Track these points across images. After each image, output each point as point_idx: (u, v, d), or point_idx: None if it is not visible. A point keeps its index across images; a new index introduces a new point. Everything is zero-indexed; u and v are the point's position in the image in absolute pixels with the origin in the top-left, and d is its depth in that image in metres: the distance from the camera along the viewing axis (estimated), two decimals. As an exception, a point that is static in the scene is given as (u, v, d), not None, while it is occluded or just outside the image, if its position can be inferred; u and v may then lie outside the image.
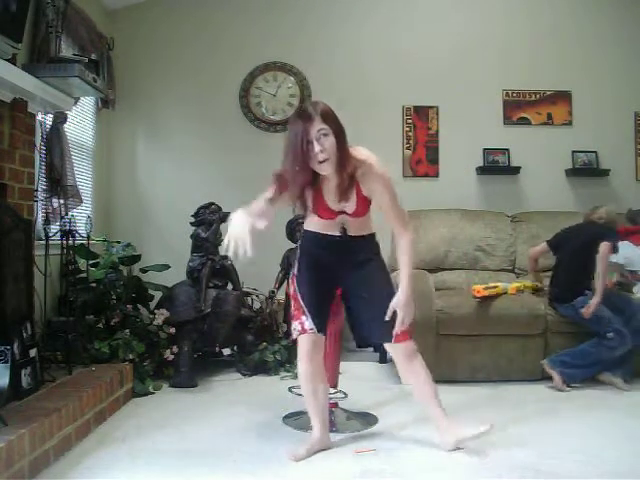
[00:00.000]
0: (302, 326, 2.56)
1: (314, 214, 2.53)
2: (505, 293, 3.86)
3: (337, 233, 2.54)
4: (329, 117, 2.34)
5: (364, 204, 2.48)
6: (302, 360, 2.59)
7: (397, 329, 2.46)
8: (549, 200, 4.85)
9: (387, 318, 2.46)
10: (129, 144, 5.01)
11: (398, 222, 2.51)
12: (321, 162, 2.33)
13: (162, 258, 4.31)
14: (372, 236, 2.63)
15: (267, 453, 2.59)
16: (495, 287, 3.84)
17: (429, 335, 3.69)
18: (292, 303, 2.64)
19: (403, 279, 2.49)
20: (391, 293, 2.53)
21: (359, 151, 2.44)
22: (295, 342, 2.64)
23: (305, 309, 2.56)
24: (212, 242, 4.04)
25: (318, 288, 2.58)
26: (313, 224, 2.60)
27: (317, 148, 2.30)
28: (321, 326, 2.56)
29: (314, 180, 2.42)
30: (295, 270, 2.64)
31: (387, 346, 2.56)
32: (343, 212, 2.51)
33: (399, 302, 2.47)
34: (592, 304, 3.53)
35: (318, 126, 2.31)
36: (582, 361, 3.55)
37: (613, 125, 5.05)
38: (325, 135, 2.31)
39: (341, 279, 2.61)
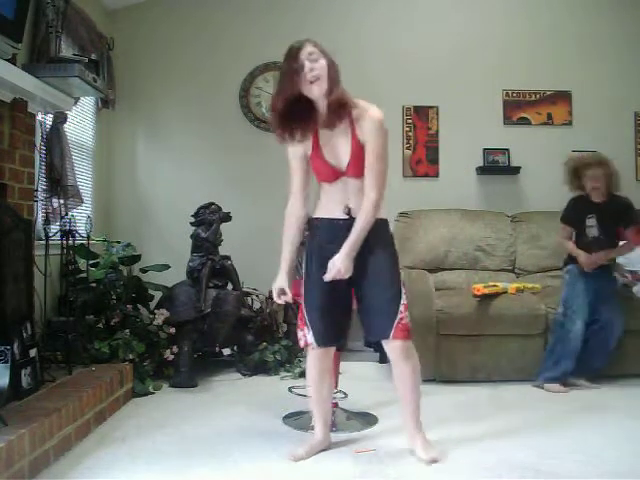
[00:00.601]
0: (305, 339, 2.52)
1: (313, 172, 2.50)
2: (505, 292, 3.86)
3: (343, 215, 2.43)
4: (319, 46, 2.37)
5: (360, 154, 2.38)
6: (309, 364, 2.59)
7: (326, 277, 2.37)
8: (549, 200, 4.84)
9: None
10: (129, 144, 5.00)
11: (372, 177, 2.37)
12: (312, 82, 2.31)
13: (162, 258, 4.31)
14: (383, 222, 2.49)
15: (267, 453, 2.59)
16: (495, 286, 3.85)
17: (429, 335, 3.69)
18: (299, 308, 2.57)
19: (348, 240, 2.36)
20: (396, 292, 2.44)
21: (359, 100, 2.44)
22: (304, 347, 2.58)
23: (307, 322, 2.50)
24: (212, 242, 4.04)
25: (325, 295, 2.45)
26: (318, 207, 2.53)
27: (308, 66, 2.31)
28: (325, 340, 2.50)
29: (309, 123, 2.40)
30: (303, 271, 2.56)
31: (383, 342, 2.48)
32: (342, 173, 2.42)
33: (335, 259, 2.36)
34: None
35: (309, 50, 2.34)
36: (554, 359, 3.57)
37: (613, 125, 5.04)
38: (316, 60, 2.33)
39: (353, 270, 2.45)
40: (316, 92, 2.34)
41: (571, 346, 3.54)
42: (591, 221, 3.72)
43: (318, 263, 2.47)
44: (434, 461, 2.44)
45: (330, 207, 2.49)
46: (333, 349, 2.60)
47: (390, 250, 2.52)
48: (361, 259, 2.43)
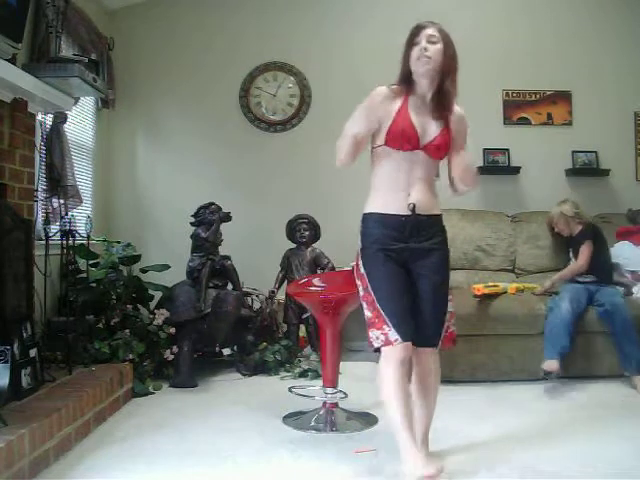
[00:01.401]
0: (386, 337, 2.23)
1: (389, 135, 2.32)
2: (505, 293, 3.87)
3: (404, 211, 2.28)
4: (443, 32, 2.36)
5: (447, 141, 2.38)
6: (390, 370, 2.23)
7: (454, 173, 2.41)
8: (549, 200, 4.83)
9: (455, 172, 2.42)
10: (129, 144, 5.01)
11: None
12: (419, 59, 2.31)
13: (162, 258, 4.31)
14: (441, 218, 2.40)
15: (267, 453, 2.59)
16: (495, 286, 3.85)
17: (429, 335, 3.68)
18: (366, 308, 2.31)
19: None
20: (447, 301, 2.35)
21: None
22: (377, 350, 2.29)
23: (386, 317, 2.24)
24: (212, 242, 4.04)
25: (396, 286, 2.28)
26: (372, 201, 2.35)
27: (424, 45, 2.31)
28: (409, 332, 2.24)
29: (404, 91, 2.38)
30: (362, 269, 2.33)
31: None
32: (421, 146, 2.31)
33: (464, 158, 2.43)
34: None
35: (430, 32, 2.34)
36: (549, 340, 3.61)
37: (613, 125, 5.05)
38: (434, 42, 2.32)
39: (410, 271, 2.33)
40: (421, 70, 2.34)
41: (560, 321, 3.60)
42: (570, 253, 4.16)
43: (384, 256, 2.29)
44: (429, 477, 2.23)
45: (387, 199, 2.33)
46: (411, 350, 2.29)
47: (447, 251, 2.41)
48: (420, 260, 2.32)
